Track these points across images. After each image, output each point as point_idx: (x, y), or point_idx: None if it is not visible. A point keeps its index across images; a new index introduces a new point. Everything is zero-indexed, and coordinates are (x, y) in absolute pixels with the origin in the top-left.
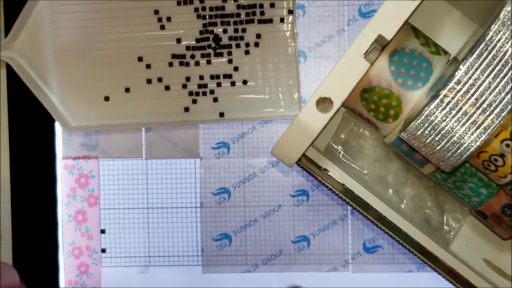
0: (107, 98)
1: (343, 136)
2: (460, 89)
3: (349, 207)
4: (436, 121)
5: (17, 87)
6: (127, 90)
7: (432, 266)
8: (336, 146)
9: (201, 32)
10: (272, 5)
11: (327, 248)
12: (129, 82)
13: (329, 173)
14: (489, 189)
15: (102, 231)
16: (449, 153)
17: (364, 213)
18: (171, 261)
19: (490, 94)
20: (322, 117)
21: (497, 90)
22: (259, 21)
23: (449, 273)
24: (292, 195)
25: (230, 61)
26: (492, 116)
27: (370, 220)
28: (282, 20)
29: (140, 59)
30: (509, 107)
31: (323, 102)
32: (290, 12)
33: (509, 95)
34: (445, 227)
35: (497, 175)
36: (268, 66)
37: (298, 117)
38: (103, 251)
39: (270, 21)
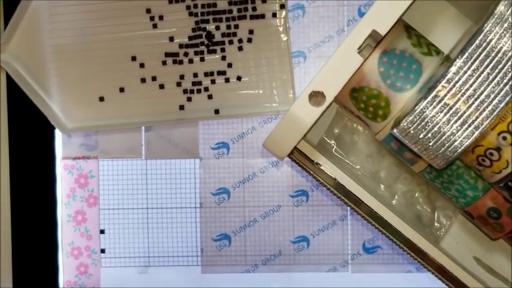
0: (101, 99)
1: (336, 131)
2: (453, 86)
3: (348, 208)
4: (428, 118)
5: (16, 87)
6: (121, 90)
7: (422, 263)
8: (328, 141)
9: (193, 30)
10: (264, 1)
11: (327, 249)
12: (123, 82)
13: (321, 167)
14: (475, 192)
15: (102, 232)
16: (442, 150)
17: (356, 209)
18: (170, 261)
19: (485, 89)
20: (315, 110)
21: (490, 87)
22: (252, 17)
23: (440, 271)
24: (291, 195)
25: (223, 58)
26: (484, 113)
27: (361, 215)
28: (274, 15)
29: (133, 58)
30: (504, 102)
31: (316, 96)
32: (282, 7)
33: (504, 90)
34: (436, 224)
35: (492, 171)
36: (261, 62)
37: (290, 111)
38: (102, 251)
39: (262, 16)
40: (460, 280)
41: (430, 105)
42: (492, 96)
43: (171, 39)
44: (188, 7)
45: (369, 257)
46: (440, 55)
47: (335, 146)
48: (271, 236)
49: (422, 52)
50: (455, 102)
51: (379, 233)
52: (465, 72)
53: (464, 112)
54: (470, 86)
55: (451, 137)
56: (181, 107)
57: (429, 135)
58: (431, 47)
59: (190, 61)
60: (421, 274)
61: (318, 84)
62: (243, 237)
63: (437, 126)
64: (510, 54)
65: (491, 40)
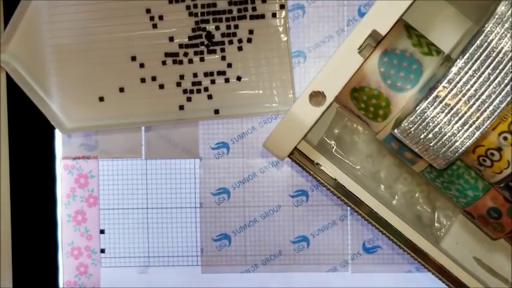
0: (101, 99)
1: (336, 131)
2: (454, 86)
3: (348, 208)
4: (429, 118)
5: (16, 87)
6: (121, 90)
7: (423, 264)
8: (329, 141)
9: (193, 30)
10: (264, 1)
11: (327, 248)
12: (123, 82)
13: (321, 168)
14: (475, 192)
15: (102, 232)
16: (443, 150)
17: (356, 209)
18: (170, 261)
19: (486, 90)
20: (315, 110)
21: (491, 88)
22: (251, 17)
23: (440, 271)
24: (291, 195)
25: (223, 58)
26: (485, 114)
27: (361, 216)
28: (274, 15)
29: (133, 58)
30: (505, 102)
31: (316, 96)
32: (282, 7)
33: (505, 90)
34: (436, 224)
35: (492, 171)
36: (261, 62)
37: (291, 111)
38: (102, 251)
39: (262, 16)
40: (460, 280)
41: (431, 106)
42: (493, 96)
43: (171, 39)
44: (188, 7)
45: (369, 257)
46: (440, 55)
47: (335, 146)
48: (271, 236)
49: (422, 52)
50: (456, 103)
51: (379, 233)
52: (466, 72)
53: (465, 112)
54: (471, 86)
55: (452, 137)
56: (181, 107)
57: (430, 135)
58: (431, 46)
59: (190, 61)
60: (421, 274)
61: (319, 84)
62: (243, 237)
63: (438, 126)
64: (511, 54)
65: (492, 40)
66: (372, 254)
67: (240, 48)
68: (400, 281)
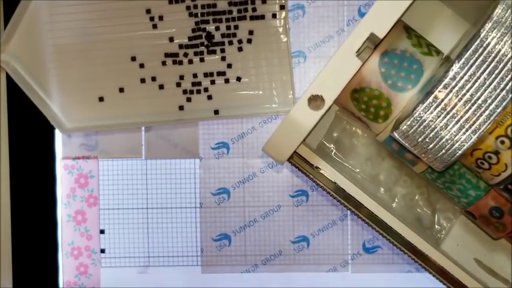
0: (101, 99)
1: (335, 134)
2: (452, 88)
3: None
4: (428, 120)
5: (16, 87)
6: (121, 90)
7: (423, 265)
8: (328, 144)
9: (193, 30)
10: (264, 1)
11: (327, 248)
12: (123, 82)
13: (321, 171)
14: (477, 192)
15: (102, 232)
16: (441, 152)
17: (356, 212)
18: (170, 261)
19: (481, 94)
20: (314, 114)
21: (489, 90)
22: (251, 18)
23: (440, 272)
24: (291, 195)
25: (223, 58)
26: (482, 118)
27: (361, 219)
28: (274, 15)
29: (133, 58)
30: (501, 107)
31: (315, 100)
32: (282, 7)
33: (501, 95)
34: (436, 226)
35: (491, 173)
36: (261, 63)
37: (289, 115)
38: (102, 251)
39: (262, 17)
40: (461, 282)
41: (428, 110)
42: (489, 101)
43: (171, 39)
44: (188, 7)
45: (369, 257)
46: (440, 55)
47: (334, 150)
48: (271, 236)
49: (422, 52)
50: (453, 107)
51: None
52: (462, 77)
53: (462, 117)
54: (467, 91)
55: (450, 141)
56: (181, 108)
57: (427, 139)
58: (431, 47)
59: (190, 61)
60: (421, 274)
61: (317, 88)
62: (243, 237)
63: (436, 130)
64: (506, 59)
65: (487, 45)
66: (371, 254)
67: (240, 49)
68: (400, 281)
